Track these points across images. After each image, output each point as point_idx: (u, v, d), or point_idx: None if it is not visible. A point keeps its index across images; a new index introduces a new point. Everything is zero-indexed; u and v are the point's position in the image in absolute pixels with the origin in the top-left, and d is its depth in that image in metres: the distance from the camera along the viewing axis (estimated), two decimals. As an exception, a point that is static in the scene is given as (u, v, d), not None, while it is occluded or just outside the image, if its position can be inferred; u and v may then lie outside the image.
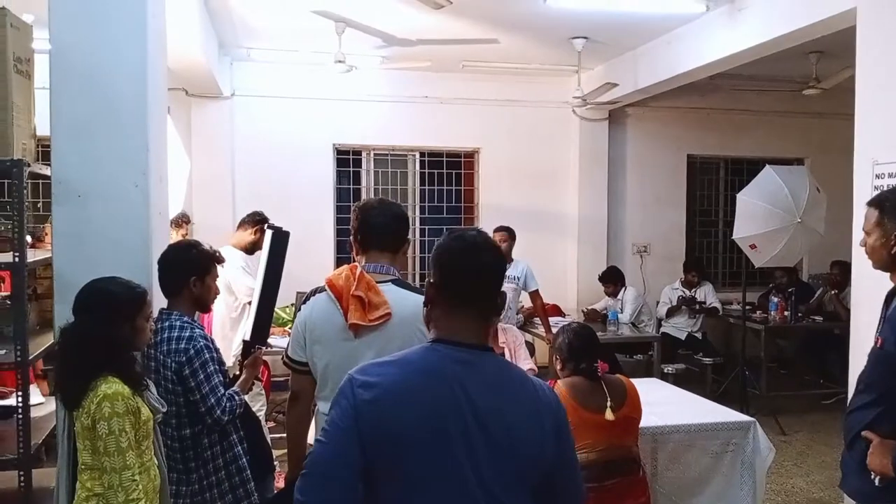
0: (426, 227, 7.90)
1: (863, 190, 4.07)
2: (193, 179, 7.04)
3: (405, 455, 1.39)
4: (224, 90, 7.00)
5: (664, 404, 3.83)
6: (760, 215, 5.73)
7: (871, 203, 2.28)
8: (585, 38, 6.22)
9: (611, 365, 7.07)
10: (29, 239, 3.06)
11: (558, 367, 3.11)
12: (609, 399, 2.91)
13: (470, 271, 1.51)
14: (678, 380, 6.74)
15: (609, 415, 2.88)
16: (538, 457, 1.47)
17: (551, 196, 8.00)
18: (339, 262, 7.42)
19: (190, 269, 2.76)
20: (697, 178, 8.56)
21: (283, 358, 2.45)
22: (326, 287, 2.27)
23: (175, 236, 5.04)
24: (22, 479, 2.69)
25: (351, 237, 2.42)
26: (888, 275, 2.28)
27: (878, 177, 3.98)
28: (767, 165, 5.96)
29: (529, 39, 6.34)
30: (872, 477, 2.13)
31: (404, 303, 2.22)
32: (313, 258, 7.36)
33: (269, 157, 7.27)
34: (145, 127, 2.87)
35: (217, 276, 2.84)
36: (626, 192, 8.23)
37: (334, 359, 2.20)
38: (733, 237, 6.00)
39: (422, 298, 2.17)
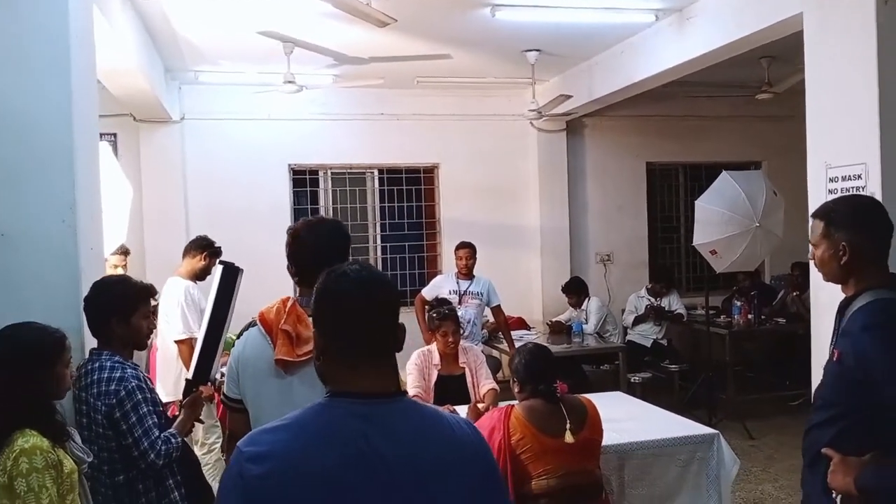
0: (388, 245, 7.81)
1: (817, 193, 4.05)
2: (144, 207, 6.85)
3: None
4: (173, 114, 6.84)
5: (628, 420, 3.77)
6: (719, 221, 5.73)
7: (815, 215, 2.20)
8: (538, 50, 6.19)
9: (577, 377, 7.04)
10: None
11: (516, 390, 3.02)
12: (568, 421, 2.83)
13: (364, 314, 1.34)
14: (645, 388, 6.71)
15: (569, 437, 2.80)
16: None
17: (513, 208, 7.96)
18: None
19: (111, 308, 2.57)
20: (657, 184, 8.59)
21: (220, 396, 2.31)
22: (258, 321, 2.14)
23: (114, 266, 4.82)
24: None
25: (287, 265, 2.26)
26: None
27: (831, 180, 3.97)
28: (724, 171, 5.97)
29: (482, 53, 6.29)
30: (834, 496, 2.06)
31: None
32: (271, 282, 7.10)
33: (222, 181, 7.12)
34: (71, 161, 2.74)
35: (148, 314, 2.68)
36: (587, 201, 8.22)
37: (266, 396, 2.06)
38: (693, 243, 5.99)
39: None
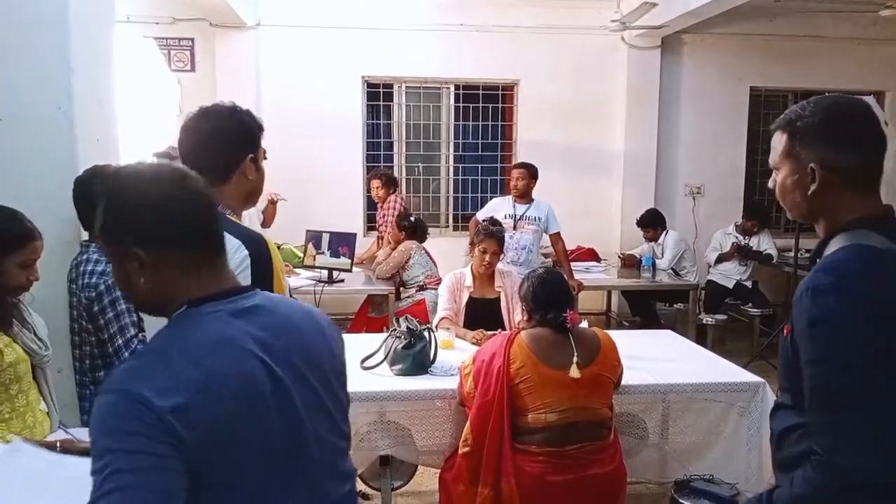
0: (460, 166, 7.52)
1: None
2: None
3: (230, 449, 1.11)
4: (248, 20, 6.72)
5: (668, 360, 3.44)
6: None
7: (776, 127, 1.56)
8: (627, -47, 5.62)
9: (647, 314, 6.61)
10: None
11: (525, 319, 2.77)
12: (576, 354, 2.57)
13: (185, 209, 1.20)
14: (720, 331, 6.27)
15: (574, 372, 2.54)
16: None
17: (596, 132, 7.46)
18: (369, 202, 7.16)
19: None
20: (761, 112, 7.80)
21: None
22: None
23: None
24: None
25: None
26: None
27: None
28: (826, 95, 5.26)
29: (565, -43, 5.77)
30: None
31: None
32: (342, 197, 7.14)
33: (296, 91, 7.01)
34: (66, 47, 2.63)
35: None
36: (679, 128, 7.58)
37: None
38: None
39: (233, 240, 1.69)
